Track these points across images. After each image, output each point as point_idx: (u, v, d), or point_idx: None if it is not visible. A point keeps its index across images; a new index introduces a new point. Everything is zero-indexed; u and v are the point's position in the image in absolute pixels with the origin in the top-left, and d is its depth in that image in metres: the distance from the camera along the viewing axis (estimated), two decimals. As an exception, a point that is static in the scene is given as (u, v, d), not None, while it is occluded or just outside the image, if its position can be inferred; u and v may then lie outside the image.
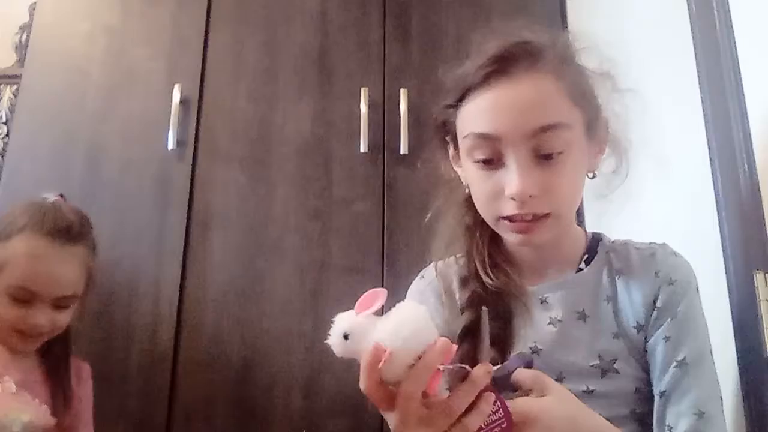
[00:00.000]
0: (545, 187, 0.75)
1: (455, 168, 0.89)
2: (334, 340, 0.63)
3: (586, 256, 0.86)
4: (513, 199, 0.75)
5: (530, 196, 0.75)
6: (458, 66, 0.81)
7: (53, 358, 1.12)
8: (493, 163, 0.77)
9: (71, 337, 1.14)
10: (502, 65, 0.76)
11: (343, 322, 0.63)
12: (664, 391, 0.76)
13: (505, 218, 0.78)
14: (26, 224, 1.06)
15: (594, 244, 0.87)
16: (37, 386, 1.07)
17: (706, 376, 0.77)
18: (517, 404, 0.62)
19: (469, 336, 0.78)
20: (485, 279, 0.82)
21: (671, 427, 0.74)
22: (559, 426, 0.63)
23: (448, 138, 0.88)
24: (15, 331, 1.05)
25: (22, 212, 1.09)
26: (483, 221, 0.85)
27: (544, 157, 0.75)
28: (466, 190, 0.86)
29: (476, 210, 0.85)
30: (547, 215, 0.77)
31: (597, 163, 0.84)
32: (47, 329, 1.07)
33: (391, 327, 0.60)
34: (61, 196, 1.17)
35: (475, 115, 0.78)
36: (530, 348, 0.80)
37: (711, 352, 0.79)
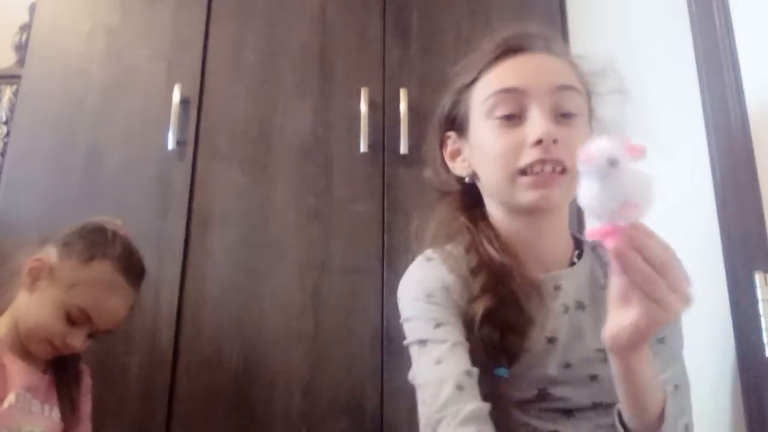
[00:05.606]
0: (564, 141, 0.79)
1: (452, 163, 0.92)
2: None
3: (577, 251, 0.91)
4: (539, 142, 0.78)
5: (554, 141, 0.78)
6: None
7: (63, 367, 1.11)
8: (514, 118, 0.82)
9: None
10: (520, 42, 0.85)
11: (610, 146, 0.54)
12: None
13: (523, 174, 0.80)
14: (112, 254, 1.08)
15: (579, 242, 0.92)
16: (43, 391, 1.07)
17: (680, 354, 0.83)
18: None
19: (488, 321, 0.79)
20: (495, 256, 0.83)
21: None
22: None
23: (449, 132, 0.91)
24: (48, 341, 1.04)
25: (110, 239, 1.10)
26: (478, 220, 0.88)
27: (562, 116, 0.81)
28: (466, 179, 0.90)
29: (470, 210, 0.89)
30: (563, 172, 0.79)
31: None
32: (76, 351, 1.07)
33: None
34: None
35: (499, 76, 0.84)
36: (547, 338, 0.82)
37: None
